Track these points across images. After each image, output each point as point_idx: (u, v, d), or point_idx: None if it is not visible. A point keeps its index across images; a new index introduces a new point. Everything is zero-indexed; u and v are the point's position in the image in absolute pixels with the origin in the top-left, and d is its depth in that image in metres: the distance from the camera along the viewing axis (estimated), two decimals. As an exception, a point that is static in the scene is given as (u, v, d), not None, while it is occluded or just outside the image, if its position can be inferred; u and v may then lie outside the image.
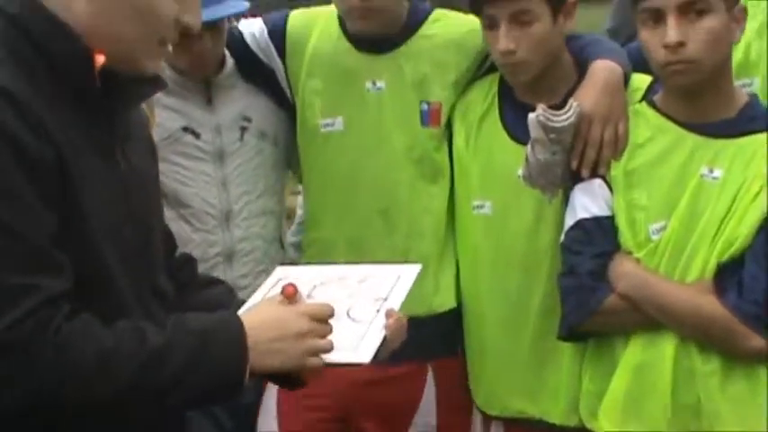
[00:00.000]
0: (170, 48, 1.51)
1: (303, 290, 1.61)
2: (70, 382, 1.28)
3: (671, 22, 1.92)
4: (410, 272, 1.76)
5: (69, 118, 1.36)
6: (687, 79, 1.97)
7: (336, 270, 1.79)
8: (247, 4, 2.45)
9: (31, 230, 1.26)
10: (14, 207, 1.25)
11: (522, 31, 2.15)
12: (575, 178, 2.12)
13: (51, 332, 1.26)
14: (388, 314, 1.58)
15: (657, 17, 1.95)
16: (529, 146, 2.11)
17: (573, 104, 2.09)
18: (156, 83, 1.52)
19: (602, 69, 2.17)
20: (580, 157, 2.09)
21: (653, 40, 1.97)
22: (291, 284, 1.52)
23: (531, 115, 2.07)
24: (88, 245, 1.36)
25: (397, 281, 1.71)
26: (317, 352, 1.48)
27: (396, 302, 1.65)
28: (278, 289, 1.58)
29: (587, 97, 2.12)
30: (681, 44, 1.92)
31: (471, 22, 2.34)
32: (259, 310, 1.53)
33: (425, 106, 2.40)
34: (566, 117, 2.06)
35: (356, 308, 1.63)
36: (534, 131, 2.08)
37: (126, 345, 1.33)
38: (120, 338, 1.33)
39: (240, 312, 1.53)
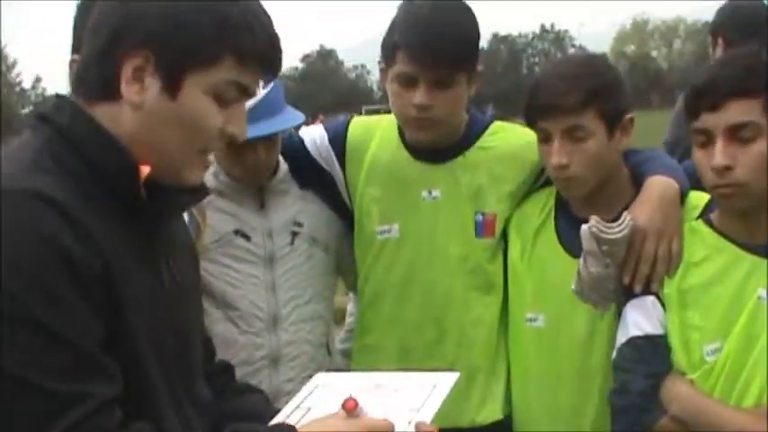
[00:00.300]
0: (212, 157, 1.53)
1: (341, 395, 1.59)
2: None
3: (719, 145, 1.91)
4: (447, 381, 1.72)
5: (115, 228, 1.38)
6: (735, 203, 1.96)
7: (374, 377, 1.77)
8: (302, 117, 2.49)
9: (81, 338, 1.27)
10: (65, 315, 1.26)
11: (575, 147, 2.16)
12: (627, 294, 2.09)
13: None
14: (419, 426, 1.54)
15: (707, 139, 1.95)
16: (581, 259, 2.10)
17: (626, 218, 2.07)
18: (198, 192, 1.54)
19: (658, 185, 2.16)
20: (633, 272, 2.07)
21: (703, 161, 1.96)
22: (352, 399, 1.52)
23: (584, 227, 2.07)
24: (131, 353, 1.37)
25: (433, 390, 1.68)
26: None
27: (428, 414, 1.62)
28: (316, 396, 1.57)
29: (642, 212, 2.11)
30: (728, 168, 1.91)
31: (529, 134, 2.35)
32: (321, 423, 1.51)
33: (480, 217, 2.40)
34: (619, 230, 2.05)
35: (389, 419, 1.60)
36: (587, 243, 2.07)
37: None
38: None
39: (300, 426, 1.52)
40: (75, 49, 2.23)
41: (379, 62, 2.42)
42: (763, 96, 1.90)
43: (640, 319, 2.05)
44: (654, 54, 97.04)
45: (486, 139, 2.46)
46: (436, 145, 2.40)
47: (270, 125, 2.35)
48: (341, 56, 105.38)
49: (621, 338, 2.08)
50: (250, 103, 2.28)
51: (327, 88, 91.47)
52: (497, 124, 2.52)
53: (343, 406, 1.51)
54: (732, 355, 1.92)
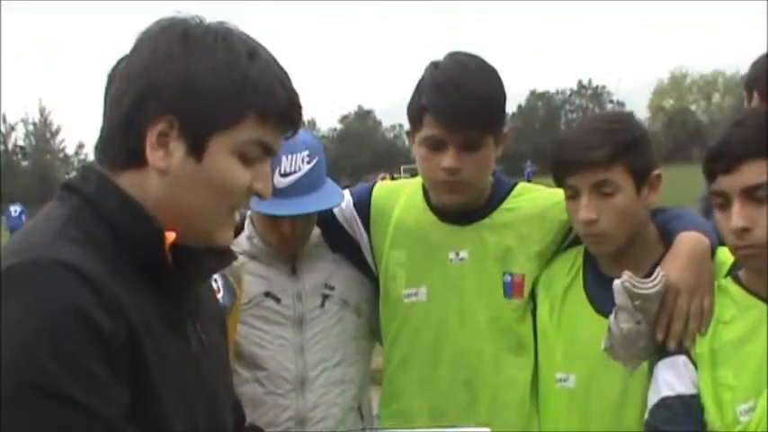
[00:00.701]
0: (247, 221, 1.53)
1: None
2: None
3: (735, 207, 1.91)
4: None
5: (142, 296, 1.38)
6: (757, 262, 1.95)
7: None
8: (342, 195, 2.49)
9: (106, 409, 1.26)
10: (90, 386, 1.25)
11: (603, 202, 2.16)
12: (659, 351, 2.07)
13: None
14: None
15: (725, 201, 1.95)
16: (612, 315, 2.08)
17: (660, 273, 2.06)
18: (225, 256, 1.56)
19: (689, 240, 2.15)
20: (666, 329, 2.05)
21: (722, 223, 1.97)
22: None
23: (617, 281, 2.05)
24: (159, 423, 1.36)
25: None
26: None
27: None
28: None
29: (674, 268, 2.09)
30: (746, 229, 1.90)
31: (556, 194, 2.37)
32: None
33: (509, 278, 2.40)
34: (652, 285, 2.04)
35: None
36: (620, 298, 2.05)
37: None
38: None
39: None
40: None
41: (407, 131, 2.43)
42: None
43: (672, 379, 2.03)
44: (693, 108, 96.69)
45: (512, 201, 2.47)
46: (463, 207, 2.41)
47: (311, 203, 2.37)
48: (379, 116, 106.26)
49: (653, 399, 2.06)
50: (292, 179, 2.33)
51: (366, 148, 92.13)
52: (522, 186, 2.53)
53: None
54: (766, 413, 1.89)
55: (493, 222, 2.43)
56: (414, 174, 2.74)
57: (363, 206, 2.55)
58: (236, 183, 1.46)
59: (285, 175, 2.34)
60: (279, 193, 2.31)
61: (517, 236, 2.41)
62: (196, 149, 1.42)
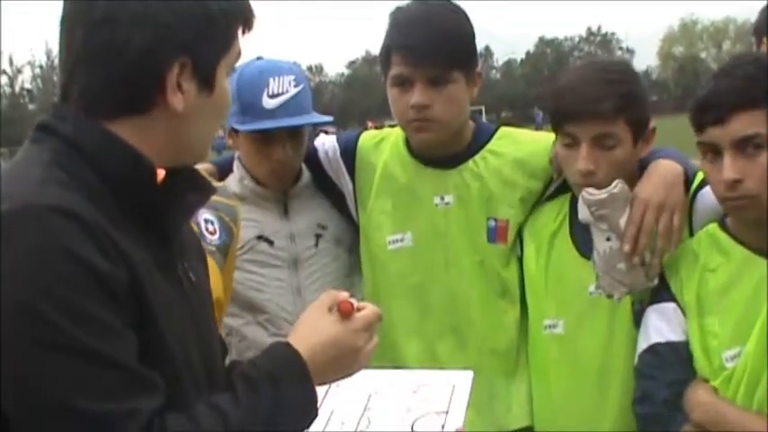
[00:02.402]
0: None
1: (360, 397, 1.60)
2: None
3: (727, 158, 1.90)
4: (464, 380, 1.74)
5: (134, 237, 1.35)
6: (747, 214, 1.95)
7: (390, 375, 1.78)
8: (331, 118, 2.54)
9: (120, 355, 1.24)
10: (100, 334, 1.22)
11: (603, 154, 2.14)
12: (640, 281, 2.09)
13: None
14: None
15: (714, 152, 1.93)
16: (594, 252, 2.12)
17: (617, 182, 2.09)
18: (205, 190, 1.53)
19: (662, 164, 2.17)
20: (633, 241, 2.06)
21: (712, 174, 1.96)
22: (348, 301, 1.49)
23: (579, 199, 2.09)
24: (165, 362, 1.34)
25: (453, 391, 1.69)
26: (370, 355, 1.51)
27: (458, 418, 1.63)
28: (336, 397, 1.57)
29: (643, 187, 2.12)
30: (738, 181, 1.90)
31: (540, 140, 2.39)
32: (314, 331, 1.48)
33: (492, 223, 2.41)
34: (605, 190, 2.07)
35: (420, 424, 1.62)
36: (581, 212, 2.10)
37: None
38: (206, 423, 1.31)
39: (294, 338, 1.47)
40: None
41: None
42: (765, 107, 1.88)
43: (662, 325, 2.06)
44: (703, 55, 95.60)
45: (495, 144, 2.46)
46: (444, 151, 2.42)
47: (300, 119, 2.41)
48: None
49: (643, 344, 2.09)
50: (281, 99, 2.36)
51: (373, 94, 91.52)
52: (504, 129, 2.52)
53: (339, 309, 1.47)
54: (751, 360, 1.91)
55: (476, 166, 2.42)
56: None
57: (349, 155, 2.56)
58: (229, 98, 1.48)
59: (273, 96, 2.37)
60: (268, 113, 2.35)
61: (501, 181, 2.41)
62: (208, 83, 1.41)
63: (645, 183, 2.13)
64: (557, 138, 2.25)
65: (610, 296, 2.13)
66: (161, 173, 1.39)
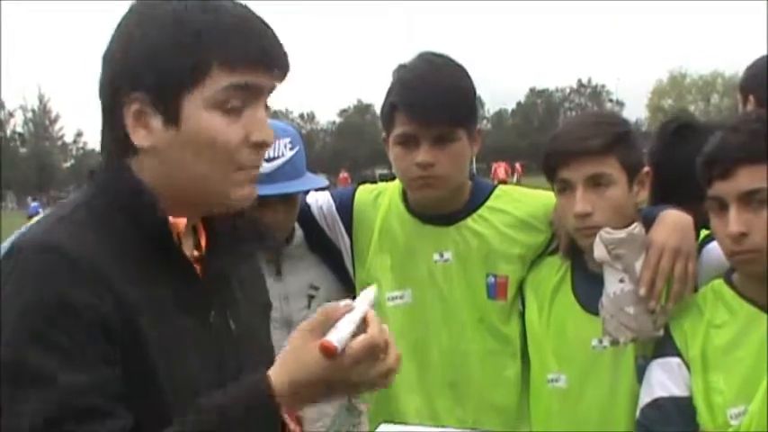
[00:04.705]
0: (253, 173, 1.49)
1: None
2: None
3: (732, 212, 1.91)
4: None
5: (153, 276, 1.40)
6: (753, 268, 1.95)
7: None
8: (324, 182, 2.52)
9: (73, 378, 1.30)
10: (61, 359, 1.30)
11: (597, 195, 2.15)
12: (647, 328, 2.08)
13: None
14: None
15: (721, 206, 1.95)
16: (603, 295, 2.11)
17: (636, 224, 2.10)
18: (263, 239, 1.57)
19: (670, 213, 2.18)
20: (649, 286, 2.06)
21: (719, 229, 1.97)
22: (329, 344, 1.33)
23: (597, 238, 2.09)
24: (151, 392, 1.37)
25: None
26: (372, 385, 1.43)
27: None
28: None
29: (657, 232, 2.13)
30: (743, 234, 1.90)
31: (536, 198, 2.41)
32: (298, 365, 1.37)
33: (492, 279, 2.39)
34: (625, 231, 2.07)
35: None
36: (597, 251, 2.09)
37: None
38: None
39: (277, 368, 1.39)
40: None
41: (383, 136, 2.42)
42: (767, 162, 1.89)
43: (666, 379, 2.04)
44: (691, 108, 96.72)
45: (493, 202, 2.46)
46: (443, 208, 2.41)
47: (292, 185, 2.38)
48: (378, 110, 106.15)
49: (646, 398, 2.06)
50: (276, 164, 2.33)
51: (364, 142, 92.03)
52: (501, 188, 2.53)
53: (321, 349, 1.33)
54: (756, 418, 1.89)
55: (475, 223, 2.42)
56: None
57: (346, 210, 2.54)
58: (224, 137, 1.41)
59: (269, 160, 2.33)
60: (262, 178, 2.31)
61: (499, 237, 2.40)
62: (171, 117, 1.40)
63: (660, 228, 2.13)
64: (553, 189, 2.26)
65: (615, 343, 2.12)
66: (179, 222, 1.45)
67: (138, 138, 1.41)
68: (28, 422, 1.27)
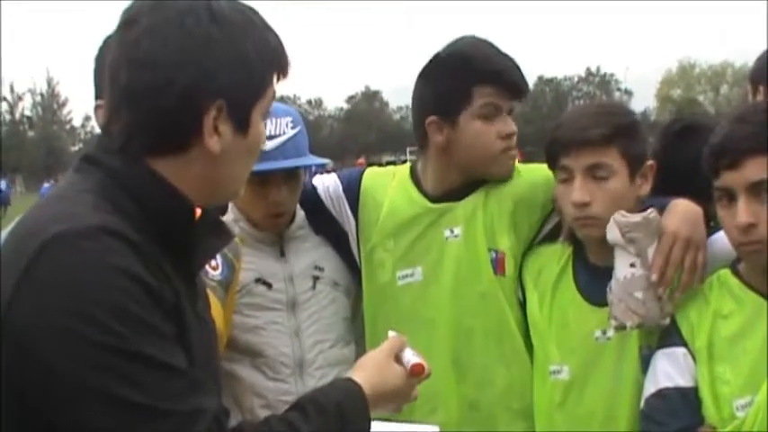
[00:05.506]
0: (231, 204, 1.57)
1: None
2: None
3: (741, 203, 1.90)
4: None
5: (171, 268, 1.41)
6: (761, 259, 1.94)
7: None
8: (328, 160, 2.52)
9: (178, 361, 1.32)
10: (158, 341, 1.30)
11: (597, 185, 2.15)
12: (654, 316, 2.08)
13: None
14: None
15: (729, 196, 1.93)
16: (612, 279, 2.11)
17: (651, 209, 2.10)
18: (225, 234, 1.58)
19: (680, 203, 2.18)
20: (661, 272, 2.06)
21: (726, 219, 1.95)
22: (421, 365, 1.68)
23: (611, 220, 2.09)
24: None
25: None
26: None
27: None
28: None
29: (670, 220, 2.12)
30: (752, 225, 1.89)
31: (537, 171, 2.42)
32: (382, 378, 1.63)
33: (494, 254, 2.40)
34: (640, 215, 2.08)
35: None
36: (611, 234, 2.09)
37: None
38: None
39: (361, 377, 1.60)
40: (98, 94, 2.22)
41: (429, 122, 2.41)
42: None
43: (671, 369, 2.03)
44: (700, 98, 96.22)
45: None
46: (453, 185, 2.44)
47: (297, 161, 2.40)
48: (386, 97, 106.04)
49: (651, 388, 2.06)
50: (278, 141, 2.34)
51: (372, 129, 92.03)
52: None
53: (412, 370, 1.66)
54: (763, 409, 1.88)
55: (480, 197, 2.43)
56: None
57: (353, 191, 2.55)
58: (263, 139, 1.55)
59: (270, 137, 2.33)
60: (265, 155, 2.31)
61: (501, 211, 2.42)
62: (243, 126, 1.46)
63: (671, 217, 2.13)
64: (555, 177, 2.26)
65: (621, 327, 2.11)
66: (198, 211, 1.47)
67: (212, 143, 1.43)
68: (159, 402, 1.27)
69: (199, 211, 1.47)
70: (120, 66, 1.42)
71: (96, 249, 1.28)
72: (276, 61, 1.50)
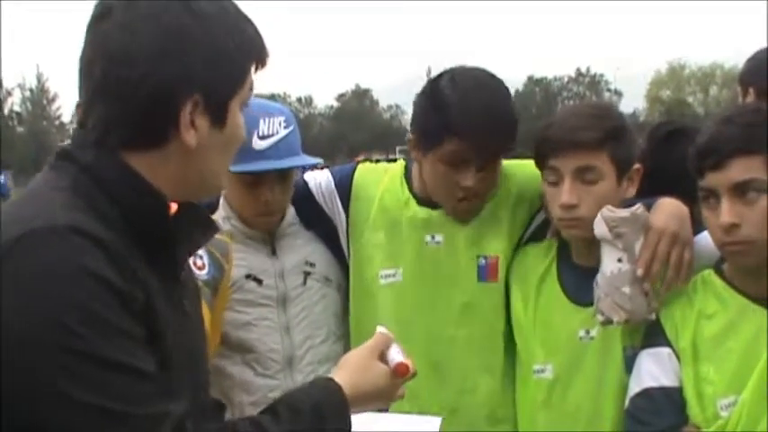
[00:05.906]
0: (222, 200, 1.52)
1: None
2: None
3: (725, 203, 1.91)
4: (433, 426, 1.79)
5: (144, 265, 1.37)
6: (744, 260, 1.95)
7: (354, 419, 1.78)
8: (320, 160, 2.52)
9: (146, 365, 1.29)
10: (129, 347, 1.27)
11: (585, 188, 2.15)
12: (639, 311, 2.08)
13: None
14: None
15: (714, 197, 1.94)
16: (599, 273, 2.11)
17: (638, 204, 2.10)
18: (210, 228, 1.56)
19: (667, 201, 2.17)
20: (647, 266, 2.06)
21: (711, 220, 1.96)
22: (405, 365, 1.64)
23: (598, 215, 2.09)
24: (174, 378, 1.39)
25: None
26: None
27: None
28: None
29: (657, 217, 2.12)
30: (735, 225, 1.89)
31: (523, 167, 2.40)
32: (364, 378, 1.61)
33: (483, 261, 2.39)
34: (628, 210, 2.08)
35: None
36: (598, 228, 2.09)
37: None
38: None
39: (342, 377, 1.59)
40: None
41: (408, 138, 2.42)
42: (765, 153, 1.89)
43: (656, 369, 2.03)
44: (690, 100, 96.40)
45: None
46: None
47: (290, 161, 2.39)
48: (376, 95, 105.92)
49: (635, 388, 2.06)
50: (271, 141, 2.34)
51: (362, 127, 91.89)
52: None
53: (396, 370, 1.63)
54: (746, 409, 1.88)
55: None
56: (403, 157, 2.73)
57: (345, 186, 2.54)
58: (242, 132, 1.51)
59: (263, 137, 2.34)
60: (258, 155, 2.32)
61: (491, 215, 2.41)
62: (220, 119, 1.44)
63: (658, 213, 2.13)
64: (542, 177, 2.25)
65: (607, 322, 2.11)
66: (173, 206, 1.43)
67: (188, 137, 1.40)
68: (120, 405, 1.24)
69: (174, 206, 1.44)
70: (94, 60, 1.39)
71: (64, 249, 1.25)
72: (254, 51, 1.47)
